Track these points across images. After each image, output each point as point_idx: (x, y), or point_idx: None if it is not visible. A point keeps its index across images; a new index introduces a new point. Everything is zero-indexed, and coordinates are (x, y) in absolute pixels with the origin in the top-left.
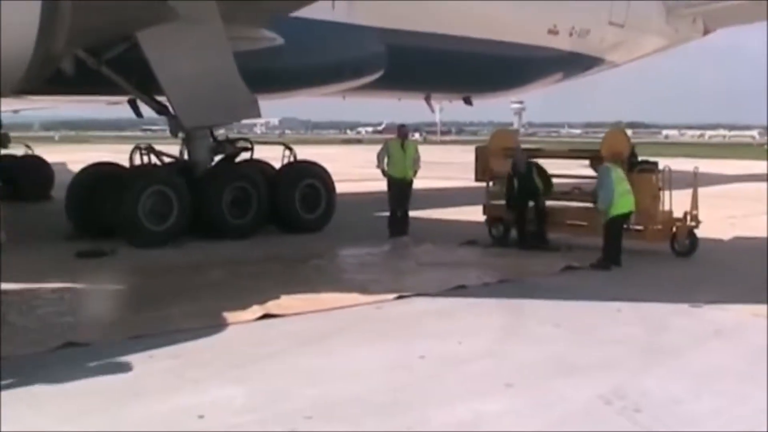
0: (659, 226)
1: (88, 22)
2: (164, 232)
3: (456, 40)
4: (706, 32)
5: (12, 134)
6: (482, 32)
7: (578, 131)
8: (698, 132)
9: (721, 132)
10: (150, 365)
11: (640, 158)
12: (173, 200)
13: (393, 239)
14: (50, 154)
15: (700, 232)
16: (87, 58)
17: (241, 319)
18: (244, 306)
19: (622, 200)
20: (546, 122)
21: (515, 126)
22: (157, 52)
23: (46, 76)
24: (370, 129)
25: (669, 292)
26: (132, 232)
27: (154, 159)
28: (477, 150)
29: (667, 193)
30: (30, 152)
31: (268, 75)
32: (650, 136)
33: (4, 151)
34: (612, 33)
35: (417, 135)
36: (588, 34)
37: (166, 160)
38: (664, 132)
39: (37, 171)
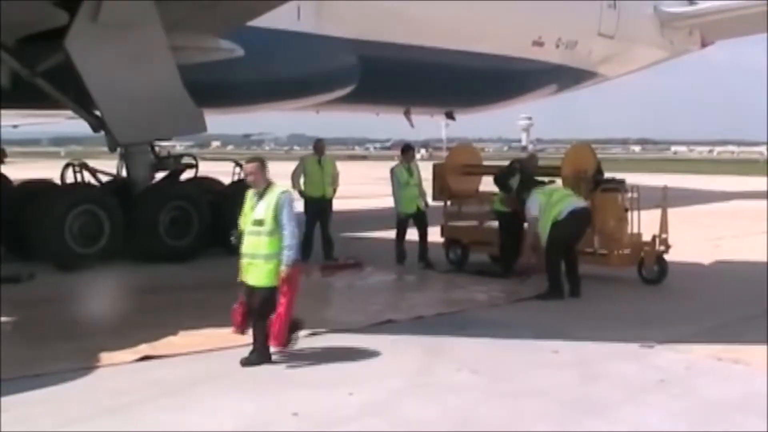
0: (626, 251)
1: None
2: (93, 254)
3: (434, 52)
4: (704, 45)
5: (16, 149)
6: (462, 44)
7: None
8: (707, 148)
9: (730, 148)
10: None
11: (606, 175)
12: (104, 221)
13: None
14: (41, 170)
15: (678, 256)
16: (20, 70)
17: (117, 361)
18: (131, 344)
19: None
20: (554, 138)
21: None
22: (85, 61)
23: None
24: (378, 145)
25: (622, 328)
26: (56, 254)
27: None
28: (434, 167)
29: (636, 213)
30: None
31: (229, 87)
32: (659, 152)
33: None
34: (602, 45)
35: (423, 151)
36: (576, 46)
37: (104, 178)
38: (673, 148)
39: None
